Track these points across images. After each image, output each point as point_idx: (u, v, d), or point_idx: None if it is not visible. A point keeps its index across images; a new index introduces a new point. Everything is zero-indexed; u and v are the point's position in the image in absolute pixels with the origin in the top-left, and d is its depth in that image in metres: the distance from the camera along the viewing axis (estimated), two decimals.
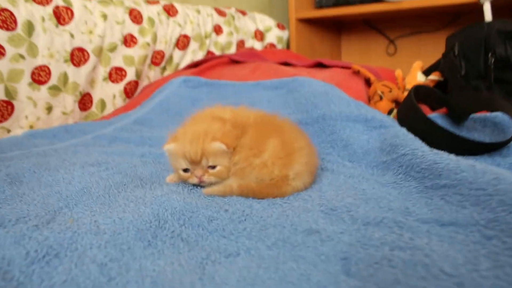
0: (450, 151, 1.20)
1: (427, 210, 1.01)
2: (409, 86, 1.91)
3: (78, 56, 2.30)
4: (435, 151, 1.20)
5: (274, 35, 3.27)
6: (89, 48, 2.34)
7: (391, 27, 3.31)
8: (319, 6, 3.12)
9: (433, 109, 1.71)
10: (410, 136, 1.35)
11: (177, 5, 2.80)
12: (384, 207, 1.04)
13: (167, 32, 2.73)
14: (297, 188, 1.16)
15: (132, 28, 2.55)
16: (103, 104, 2.48)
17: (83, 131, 2.00)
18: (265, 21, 3.28)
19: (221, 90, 2.14)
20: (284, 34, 3.31)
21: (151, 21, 2.64)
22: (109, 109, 2.52)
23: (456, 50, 1.71)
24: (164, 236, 0.91)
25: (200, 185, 1.19)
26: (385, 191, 1.16)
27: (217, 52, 2.99)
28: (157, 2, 2.72)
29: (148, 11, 2.64)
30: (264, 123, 1.21)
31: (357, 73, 2.01)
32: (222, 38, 3.02)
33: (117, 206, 1.06)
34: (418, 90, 1.57)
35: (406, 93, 1.85)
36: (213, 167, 1.15)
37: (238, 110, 1.28)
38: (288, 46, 3.34)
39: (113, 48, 2.47)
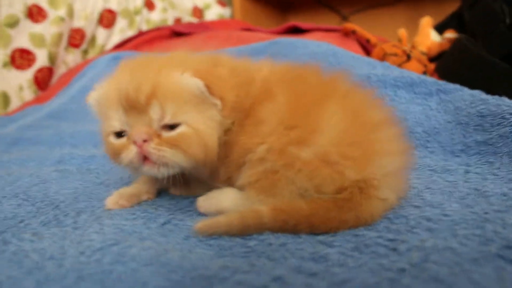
0: None
1: None
2: (422, 47, 1.35)
3: None
4: None
5: (215, 13, 2.61)
6: None
7: (343, 4, 2.76)
8: None
9: None
10: (505, 99, 0.77)
11: None
12: None
13: (87, 4, 2.00)
14: (390, 204, 0.53)
15: None
16: (5, 98, 1.73)
17: None
18: None
19: None
20: (226, 11, 2.66)
21: None
22: (14, 105, 1.76)
23: None
24: None
25: (143, 170, 0.55)
26: None
27: None
28: None
29: None
30: (304, 80, 0.57)
31: (351, 34, 1.41)
32: (155, 15, 2.32)
33: None
34: (465, 42, 0.99)
35: (422, 56, 1.28)
36: (173, 126, 0.54)
37: (238, 60, 0.63)
38: None
39: (14, 23, 1.72)
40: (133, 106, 0.53)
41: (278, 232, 0.48)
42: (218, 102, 0.54)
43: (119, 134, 0.56)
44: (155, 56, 0.59)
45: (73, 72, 1.77)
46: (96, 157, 0.89)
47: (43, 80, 1.83)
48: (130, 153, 0.53)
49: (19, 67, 1.76)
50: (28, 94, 1.79)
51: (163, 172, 0.54)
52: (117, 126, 0.55)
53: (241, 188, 0.55)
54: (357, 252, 0.44)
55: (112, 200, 0.62)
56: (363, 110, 0.54)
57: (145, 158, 0.53)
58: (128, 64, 0.58)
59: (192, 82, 0.53)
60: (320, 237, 0.47)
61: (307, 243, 0.46)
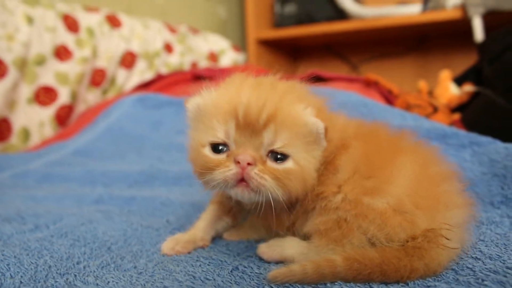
0: None
1: None
2: (442, 99, 1.37)
3: None
4: None
5: (229, 58, 2.66)
6: (8, 58, 1.63)
7: (353, 52, 2.83)
8: (279, 24, 2.55)
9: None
10: None
11: (122, 16, 2.11)
12: None
13: (110, 46, 2.03)
14: (456, 253, 0.54)
15: (66, 38, 1.85)
16: (26, 133, 1.73)
17: None
18: (219, 42, 2.67)
19: None
20: (240, 56, 2.72)
21: (90, 31, 1.94)
22: (34, 141, 1.77)
23: None
24: None
25: (232, 191, 0.53)
26: None
27: None
28: (97, 10, 2.02)
29: (87, 19, 1.94)
30: (376, 135, 0.60)
31: (373, 84, 1.44)
32: (173, 58, 2.36)
33: None
34: (492, 96, 1.02)
35: (443, 108, 1.30)
36: (279, 156, 0.52)
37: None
38: None
39: (41, 61, 1.75)
40: (249, 124, 0.51)
41: (351, 281, 0.48)
42: (324, 143, 0.54)
43: (216, 148, 0.54)
44: (273, 80, 0.58)
45: (94, 111, 1.78)
46: (136, 198, 0.88)
47: (64, 117, 1.84)
48: (229, 171, 0.51)
49: (42, 103, 1.77)
50: (48, 130, 1.80)
51: (252, 198, 0.53)
52: (221, 137, 0.53)
53: (306, 235, 0.54)
54: None
55: (168, 246, 0.61)
56: (430, 164, 0.56)
57: (241, 180, 0.51)
58: (246, 80, 0.56)
59: (313, 121, 0.52)
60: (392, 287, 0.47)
61: None
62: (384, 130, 0.60)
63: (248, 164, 0.51)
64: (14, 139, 1.66)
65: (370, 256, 0.49)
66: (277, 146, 0.51)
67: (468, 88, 1.39)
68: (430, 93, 1.44)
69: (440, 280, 0.49)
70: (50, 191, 0.99)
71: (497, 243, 0.59)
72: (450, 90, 1.40)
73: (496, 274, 0.49)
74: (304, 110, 0.53)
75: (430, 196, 0.53)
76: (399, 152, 0.55)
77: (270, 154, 0.52)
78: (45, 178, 1.14)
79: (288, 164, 0.52)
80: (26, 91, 1.70)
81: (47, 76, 1.77)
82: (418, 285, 0.48)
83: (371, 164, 0.53)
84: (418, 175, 0.53)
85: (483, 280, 0.47)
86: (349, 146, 0.55)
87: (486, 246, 0.58)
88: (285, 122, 0.51)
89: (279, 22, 2.57)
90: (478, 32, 1.98)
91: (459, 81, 1.52)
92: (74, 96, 1.87)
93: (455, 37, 2.43)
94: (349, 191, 0.52)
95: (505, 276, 0.48)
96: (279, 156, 0.52)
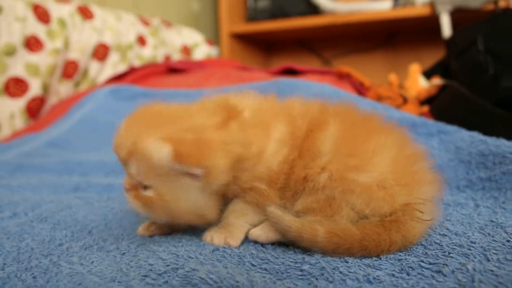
0: None
1: None
2: (412, 91, 1.42)
3: None
4: None
5: (203, 51, 2.67)
6: None
7: (325, 47, 2.88)
8: (253, 18, 2.57)
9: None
10: (502, 140, 0.84)
11: (94, 8, 2.09)
12: None
13: (82, 38, 2.01)
14: (428, 226, 0.59)
15: (37, 28, 1.81)
16: None
17: None
18: (192, 36, 2.67)
19: (169, 102, 1.47)
20: (213, 50, 2.72)
21: (62, 22, 1.91)
22: (4, 133, 1.73)
23: (479, 45, 1.25)
24: None
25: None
26: None
27: None
28: (69, 1, 2.00)
29: (58, 10, 1.91)
30: (351, 114, 0.63)
31: (345, 77, 1.47)
32: (146, 51, 2.35)
33: None
34: (459, 88, 1.07)
35: (412, 99, 1.35)
36: (146, 187, 0.56)
37: (269, 100, 0.67)
38: None
39: (10, 52, 1.71)
40: (119, 158, 0.56)
41: (330, 253, 0.51)
42: (198, 171, 0.52)
43: None
44: (151, 111, 0.58)
45: (66, 103, 1.76)
46: (114, 185, 0.89)
47: (35, 110, 1.82)
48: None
49: (12, 95, 1.74)
50: (19, 122, 1.77)
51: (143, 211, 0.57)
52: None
53: (296, 214, 0.57)
54: (405, 274, 0.47)
55: (144, 227, 0.63)
56: (404, 143, 0.60)
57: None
58: (135, 114, 0.58)
59: (158, 153, 0.51)
60: (366, 261, 0.50)
61: (356, 266, 0.49)
62: (356, 111, 0.64)
63: (127, 187, 0.57)
64: None
65: (351, 232, 0.52)
66: (139, 178, 0.55)
67: (436, 81, 1.45)
68: (401, 85, 1.49)
69: (411, 254, 0.52)
70: (25, 181, 0.99)
71: (462, 222, 0.64)
72: (419, 83, 1.45)
73: (461, 247, 0.53)
74: (152, 143, 0.51)
75: (407, 173, 0.57)
76: (376, 131, 0.59)
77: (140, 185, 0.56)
78: (18, 169, 1.13)
79: (149, 193, 0.55)
80: None
81: (17, 67, 1.74)
82: (390, 258, 0.51)
83: (351, 144, 0.57)
84: (397, 154, 0.57)
85: (449, 253, 0.51)
86: (327, 124, 0.58)
87: (452, 224, 0.62)
88: (140, 157, 0.53)
89: (253, 16, 2.59)
90: (446, 28, 2.05)
91: (427, 74, 1.58)
92: (46, 88, 1.84)
93: (424, 32, 2.51)
94: (334, 170, 0.55)
95: (469, 249, 0.52)
96: (146, 186, 0.56)
